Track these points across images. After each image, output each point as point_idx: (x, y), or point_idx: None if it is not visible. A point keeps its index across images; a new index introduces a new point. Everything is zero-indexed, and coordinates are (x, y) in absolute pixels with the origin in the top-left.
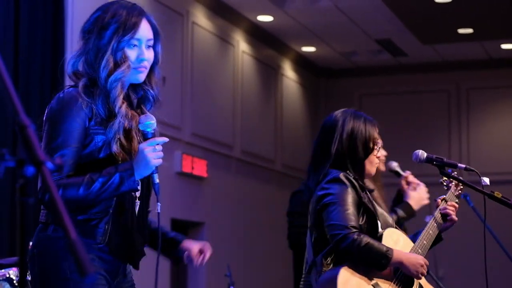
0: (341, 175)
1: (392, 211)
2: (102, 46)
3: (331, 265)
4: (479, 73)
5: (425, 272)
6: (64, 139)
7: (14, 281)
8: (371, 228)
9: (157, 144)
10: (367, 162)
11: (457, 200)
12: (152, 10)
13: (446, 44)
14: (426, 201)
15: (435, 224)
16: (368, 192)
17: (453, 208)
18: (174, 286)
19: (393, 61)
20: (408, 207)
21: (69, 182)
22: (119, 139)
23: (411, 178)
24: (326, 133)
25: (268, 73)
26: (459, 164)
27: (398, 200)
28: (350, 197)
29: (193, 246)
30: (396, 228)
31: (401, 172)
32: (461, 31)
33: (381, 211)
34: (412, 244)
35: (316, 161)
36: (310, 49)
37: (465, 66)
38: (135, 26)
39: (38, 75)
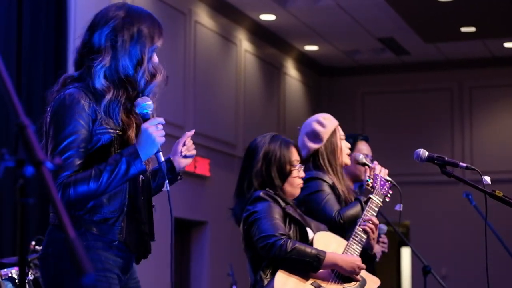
0: (261, 194)
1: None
2: (135, 54)
3: (269, 276)
4: (482, 71)
5: (360, 273)
6: (70, 142)
7: (17, 281)
8: (301, 237)
9: (158, 123)
10: (287, 185)
11: (381, 200)
12: (155, 9)
13: (448, 42)
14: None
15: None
16: (291, 204)
17: (372, 226)
18: (177, 285)
19: (395, 60)
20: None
21: (78, 178)
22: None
23: (378, 168)
24: (246, 159)
25: (271, 72)
26: (460, 163)
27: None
28: (274, 211)
29: (176, 148)
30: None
31: (369, 164)
32: (463, 29)
33: (311, 221)
34: (345, 242)
35: (240, 186)
36: (313, 47)
37: (468, 64)
38: (160, 37)
39: (41, 74)
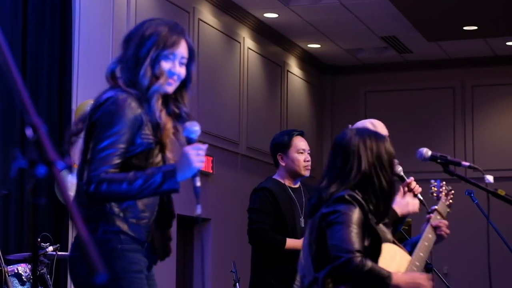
0: (347, 195)
1: None
2: (141, 56)
3: (331, 284)
4: (484, 70)
5: None
6: (114, 140)
7: (23, 277)
8: (375, 252)
9: (200, 150)
10: None
11: (448, 210)
12: (159, 7)
13: (451, 41)
14: (412, 208)
15: (430, 236)
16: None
17: (444, 224)
18: (180, 282)
19: (398, 58)
20: (392, 212)
21: (114, 177)
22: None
23: (413, 184)
24: (343, 152)
25: (274, 70)
26: (463, 162)
27: None
28: (355, 218)
29: None
30: (394, 242)
31: (405, 177)
32: (466, 28)
33: (382, 228)
34: (408, 257)
35: (334, 176)
36: (316, 46)
37: (470, 63)
38: (174, 44)
39: (45, 76)
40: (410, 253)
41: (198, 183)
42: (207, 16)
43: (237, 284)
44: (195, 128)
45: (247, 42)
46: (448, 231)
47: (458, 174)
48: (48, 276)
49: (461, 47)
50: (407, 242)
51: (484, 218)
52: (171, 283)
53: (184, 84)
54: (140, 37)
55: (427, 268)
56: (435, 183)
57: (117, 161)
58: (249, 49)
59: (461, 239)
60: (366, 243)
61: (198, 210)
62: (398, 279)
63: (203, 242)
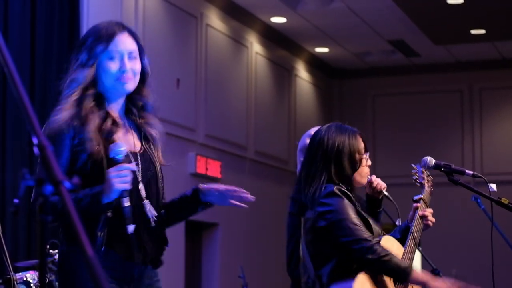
0: (335, 189)
1: None
2: (83, 61)
3: (338, 278)
4: (492, 73)
5: None
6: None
7: (31, 284)
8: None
9: (124, 170)
10: (356, 175)
11: (430, 197)
12: (167, 12)
13: (458, 44)
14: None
15: (418, 226)
16: (358, 201)
17: (430, 212)
18: (188, 287)
19: (406, 62)
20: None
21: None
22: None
23: (376, 182)
24: (312, 150)
25: (282, 74)
26: (467, 171)
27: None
28: (350, 209)
29: (217, 185)
30: (384, 234)
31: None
32: (473, 32)
33: (371, 219)
34: (402, 248)
35: (306, 176)
36: (323, 50)
37: (478, 66)
38: (111, 37)
39: (54, 77)
40: (400, 240)
41: (126, 203)
42: (215, 21)
43: None
44: (120, 148)
45: (255, 46)
46: (433, 219)
47: (462, 183)
48: (57, 283)
49: (468, 50)
50: (396, 229)
51: (490, 222)
52: None
53: (143, 78)
54: (80, 44)
55: (434, 273)
56: (416, 169)
57: None
58: (257, 54)
59: (468, 242)
60: None
61: (130, 229)
62: (422, 277)
63: (212, 246)
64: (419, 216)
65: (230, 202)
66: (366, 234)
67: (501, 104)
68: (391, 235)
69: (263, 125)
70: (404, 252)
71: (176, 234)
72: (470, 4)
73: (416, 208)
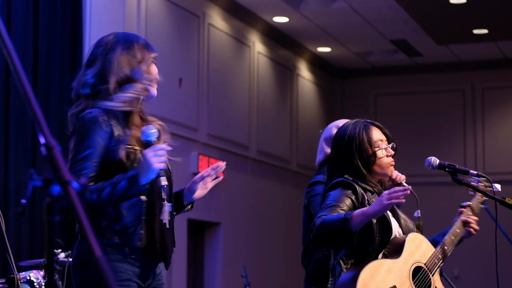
0: (339, 181)
1: None
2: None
3: (349, 260)
4: (494, 73)
5: (394, 197)
6: (88, 154)
7: (35, 283)
8: (384, 229)
9: (159, 150)
10: (376, 168)
11: (481, 206)
12: (169, 12)
13: (461, 44)
14: None
15: (458, 231)
16: (376, 193)
17: (474, 220)
18: (191, 286)
19: (408, 61)
20: None
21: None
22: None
23: (395, 174)
24: (333, 145)
25: (284, 73)
26: (471, 171)
27: None
28: (346, 200)
29: (195, 177)
30: (417, 232)
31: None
32: (476, 31)
33: (402, 215)
34: (433, 249)
35: (327, 170)
36: (326, 49)
37: (480, 66)
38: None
39: (57, 75)
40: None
41: (163, 182)
42: (217, 20)
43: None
44: (151, 131)
45: (257, 46)
46: (477, 227)
47: (466, 183)
48: (60, 282)
49: (471, 50)
50: (440, 233)
51: (494, 222)
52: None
53: None
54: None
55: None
56: (475, 178)
57: (90, 174)
58: (259, 53)
59: (472, 243)
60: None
61: (169, 207)
62: (361, 209)
63: (214, 245)
64: (461, 221)
65: (207, 186)
66: (325, 213)
67: (503, 104)
68: (434, 238)
69: (265, 125)
70: (433, 252)
71: (178, 233)
72: (472, 4)
73: (461, 213)
